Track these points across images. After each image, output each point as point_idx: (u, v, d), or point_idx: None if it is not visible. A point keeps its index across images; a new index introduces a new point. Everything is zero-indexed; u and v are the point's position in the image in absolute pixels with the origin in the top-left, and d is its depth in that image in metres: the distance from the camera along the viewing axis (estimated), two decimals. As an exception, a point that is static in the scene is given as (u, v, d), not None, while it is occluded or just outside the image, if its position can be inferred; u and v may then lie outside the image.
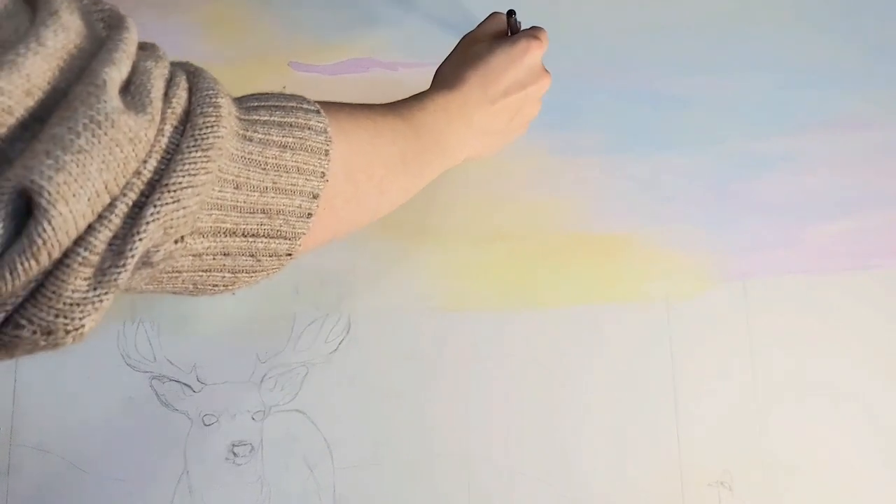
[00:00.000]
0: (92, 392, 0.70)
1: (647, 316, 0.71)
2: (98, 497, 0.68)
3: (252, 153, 0.39)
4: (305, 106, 0.43)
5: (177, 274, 0.39)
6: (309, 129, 0.42)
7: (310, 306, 0.72)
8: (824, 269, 0.72)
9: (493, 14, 0.64)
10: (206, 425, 0.69)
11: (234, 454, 0.69)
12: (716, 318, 0.71)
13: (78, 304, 0.34)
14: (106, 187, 0.31)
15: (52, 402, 0.70)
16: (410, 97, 0.56)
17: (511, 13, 0.64)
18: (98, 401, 0.70)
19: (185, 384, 0.70)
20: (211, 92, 0.37)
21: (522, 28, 0.65)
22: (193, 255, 0.38)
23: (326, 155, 0.43)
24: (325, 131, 0.43)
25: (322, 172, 0.42)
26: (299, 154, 0.41)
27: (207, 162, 0.35)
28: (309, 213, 0.42)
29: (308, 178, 0.42)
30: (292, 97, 0.43)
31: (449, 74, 0.59)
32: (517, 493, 0.68)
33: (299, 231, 0.42)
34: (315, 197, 0.42)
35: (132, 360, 0.71)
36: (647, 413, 0.70)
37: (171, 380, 0.70)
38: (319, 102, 0.45)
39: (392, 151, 0.50)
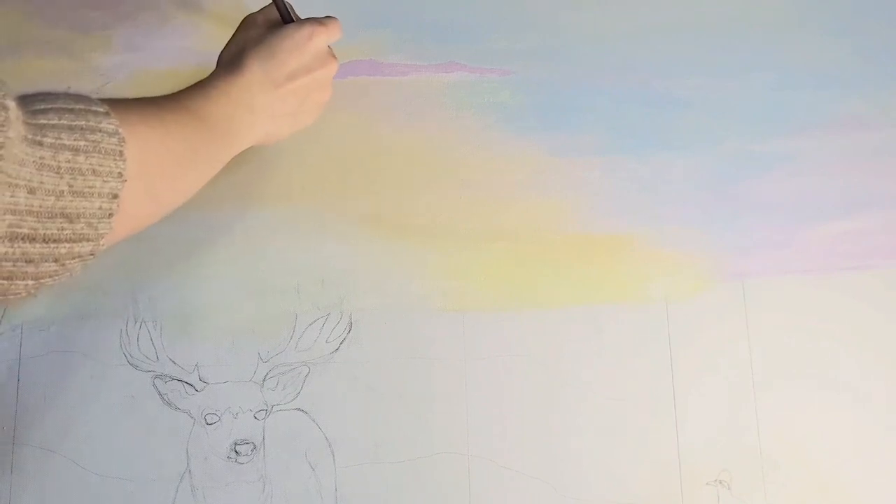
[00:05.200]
0: (94, 391, 0.70)
1: (646, 316, 0.72)
2: (101, 496, 0.68)
3: (44, 158, 0.39)
4: (95, 108, 0.44)
5: None
6: (100, 131, 0.43)
7: (311, 306, 0.72)
8: (823, 270, 0.72)
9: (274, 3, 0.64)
10: (208, 424, 0.70)
11: (237, 453, 0.69)
12: (715, 318, 0.72)
13: None
14: None
15: (54, 402, 0.70)
16: (196, 85, 0.57)
17: None
18: (101, 400, 0.70)
19: (187, 383, 0.71)
20: None
21: (296, 15, 0.63)
22: None
23: (121, 155, 0.43)
24: (117, 132, 0.44)
25: (119, 172, 0.43)
26: (93, 157, 0.42)
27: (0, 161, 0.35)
28: (110, 213, 0.43)
29: (105, 179, 0.43)
30: (80, 98, 0.44)
31: (231, 58, 0.60)
32: (517, 492, 0.69)
33: (102, 231, 0.44)
34: (115, 197, 0.43)
35: (135, 359, 0.71)
36: (646, 412, 0.70)
37: (173, 379, 0.71)
38: (107, 101, 0.45)
39: (182, 147, 0.51)
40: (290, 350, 0.72)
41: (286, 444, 0.70)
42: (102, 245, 0.44)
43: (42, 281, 0.42)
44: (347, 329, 0.72)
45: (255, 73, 0.58)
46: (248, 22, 0.63)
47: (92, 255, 0.44)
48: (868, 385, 0.70)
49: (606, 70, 0.75)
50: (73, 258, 0.43)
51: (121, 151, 0.43)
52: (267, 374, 0.71)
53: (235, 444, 0.69)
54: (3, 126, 0.36)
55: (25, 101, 0.41)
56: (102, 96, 0.45)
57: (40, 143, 0.39)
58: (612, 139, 0.75)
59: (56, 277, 0.43)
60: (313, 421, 0.70)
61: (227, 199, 0.73)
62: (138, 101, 0.50)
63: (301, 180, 0.74)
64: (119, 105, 0.46)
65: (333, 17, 0.63)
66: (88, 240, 0.43)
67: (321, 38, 0.61)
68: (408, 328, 0.72)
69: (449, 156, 0.74)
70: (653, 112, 0.75)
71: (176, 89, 0.55)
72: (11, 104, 0.37)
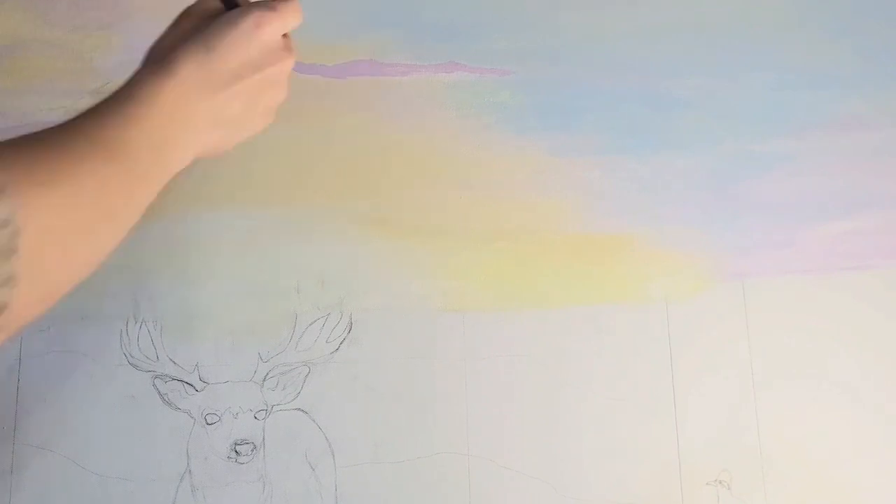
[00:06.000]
0: (94, 391, 0.70)
1: (646, 316, 0.72)
2: (100, 496, 0.68)
3: None
4: None
5: None
6: None
7: (311, 306, 0.72)
8: (823, 270, 0.72)
9: None
10: (208, 424, 0.70)
11: (237, 453, 0.69)
12: (715, 318, 0.72)
13: None
14: None
15: (54, 402, 0.70)
16: (113, 99, 0.44)
17: None
18: (100, 400, 0.70)
19: (187, 383, 0.71)
20: None
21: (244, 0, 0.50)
22: None
23: (15, 252, 0.34)
24: (11, 220, 0.35)
25: (10, 276, 0.35)
26: None
27: None
28: None
29: None
30: None
31: (161, 53, 0.47)
32: (517, 492, 0.69)
33: None
34: (4, 308, 0.35)
35: (135, 359, 0.71)
36: (647, 412, 0.70)
37: (173, 379, 0.71)
38: (6, 154, 0.37)
39: (95, 212, 0.41)
40: (291, 350, 0.72)
41: (286, 444, 0.70)
42: None
43: None
44: (347, 329, 0.72)
45: (191, 74, 0.46)
46: (182, 14, 0.50)
47: None
48: (868, 385, 0.70)
49: (606, 70, 0.75)
50: None
51: (13, 248, 0.34)
52: (267, 374, 0.71)
53: (235, 444, 0.69)
54: None
55: None
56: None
57: None
58: (612, 139, 0.75)
59: None
60: (313, 421, 0.70)
61: (227, 199, 0.73)
62: (44, 147, 0.39)
63: (301, 180, 0.74)
64: (15, 163, 0.37)
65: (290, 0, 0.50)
66: None
67: (272, 27, 0.48)
68: (408, 328, 0.72)
69: (449, 156, 0.74)
70: (653, 112, 0.75)
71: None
72: None
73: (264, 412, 0.70)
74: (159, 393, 0.71)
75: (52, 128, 0.41)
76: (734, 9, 0.77)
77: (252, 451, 0.69)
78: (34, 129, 0.40)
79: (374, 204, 0.74)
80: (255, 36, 0.48)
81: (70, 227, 0.39)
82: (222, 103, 0.48)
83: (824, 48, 0.76)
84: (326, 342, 0.72)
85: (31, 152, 0.38)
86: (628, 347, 0.71)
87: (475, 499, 0.68)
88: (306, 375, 0.71)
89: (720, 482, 0.69)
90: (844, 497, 0.68)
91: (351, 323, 0.72)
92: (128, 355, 0.71)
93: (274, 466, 0.69)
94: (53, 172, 0.38)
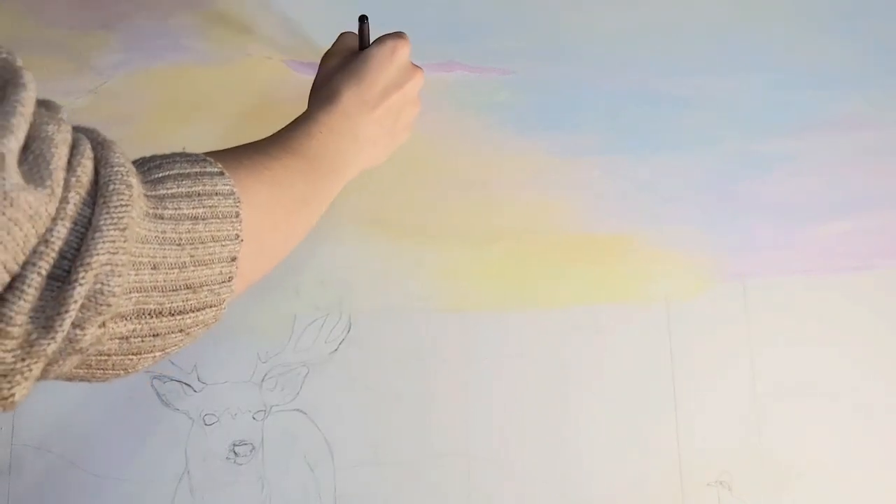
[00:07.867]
0: (92, 392, 0.70)
1: (647, 316, 0.72)
2: (99, 497, 0.68)
3: (165, 231, 0.39)
4: (210, 169, 0.43)
5: (105, 357, 0.38)
6: (217, 194, 0.43)
7: (310, 306, 0.72)
8: (823, 269, 0.72)
9: (343, 34, 0.65)
10: (206, 425, 0.70)
11: (235, 454, 0.69)
12: (715, 318, 0.72)
13: (4, 375, 0.33)
14: (4, 267, 0.31)
15: (52, 402, 0.70)
16: (295, 123, 0.56)
17: (364, 19, 0.62)
18: (99, 400, 0.70)
19: (185, 384, 0.70)
20: (122, 169, 0.36)
21: (372, 36, 0.63)
22: (120, 339, 0.38)
23: (238, 217, 0.43)
24: (233, 193, 0.43)
25: (236, 234, 0.43)
26: (212, 223, 0.42)
27: (125, 242, 0.35)
28: (230, 277, 0.43)
29: (224, 243, 0.42)
30: (196, 160, 0.44)
31: (322, 92, 0.59)
32: (517, 493, 0.69)
33: (224, 296, 0.43)
34: (233, 259, 0.43)
35: (133, 359, 0.71)
36: (647, 413, 0.70)
37: (171, 379, 0.70)
38: (216, 154, 0.46)
39: (292, 195, 0.50)
40: (289, 350, 0.71)
41: (285, 444, 0.69)
42: (224, 309, 0.44)
43: (168, 351, 0.42)
44: (346, 329, 0.72)
45: (350, 98, 0.58)
46: (326, 56, 0.63)
47: (215, 320, 0.44)
48: (868, 385, 0.70)
49: (606, 70, 0.75)
50: (198, 326, 0.42)
51: (237, 213, 0.43)
52: (266, 374, 0.71)
53: (234, 444, 0.69)
54: (127, 206, 0.35)
55: (143, 169, 0.41)
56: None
57: (161, 217, 0.39)
58: (612, 139, 0.75)
59: (181, 345, 0.43)
60: (312, 422, 0.70)
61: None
62: (246, 150, 0.50)
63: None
64: (228, 159, 0.46)
65: (401, 31, 0.63)
66: (212, 306, 0.42)
67: (403, 51, 0.61)
68: (407, 328, 0.71)
69: (449, 156, 0.74)
70: (653, 112, 0.75)
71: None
72: (135, 181, 0.37)
73: (263, 413, 0.70)
74: (157, 393, 0.70)
75: (253, 141, 0.52)
76: (734, 8, 0.77)
77: (251, 451, 0.69)
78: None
79: (374, 204, 0.74)
80: (393, 60, 0.60)
81: (275, 204, 0.48)
82: (377, 120, 0.59)
83: (824, 48, 0.76)
84: (325, 342, 0.72)
85: (238, 153, 0.49)
86: (628, 347, 0.71)
87: (475, 499, 0.68)
88: (305, 376, 0.71)
89: (721, 483, 0.68)
90: (847, 499, 0.68)
91: (350, 323, 0.72)
92: (126, 356, 0.71)
93: (273, 467, 0.69)
94: (256, 163, 0.48)
